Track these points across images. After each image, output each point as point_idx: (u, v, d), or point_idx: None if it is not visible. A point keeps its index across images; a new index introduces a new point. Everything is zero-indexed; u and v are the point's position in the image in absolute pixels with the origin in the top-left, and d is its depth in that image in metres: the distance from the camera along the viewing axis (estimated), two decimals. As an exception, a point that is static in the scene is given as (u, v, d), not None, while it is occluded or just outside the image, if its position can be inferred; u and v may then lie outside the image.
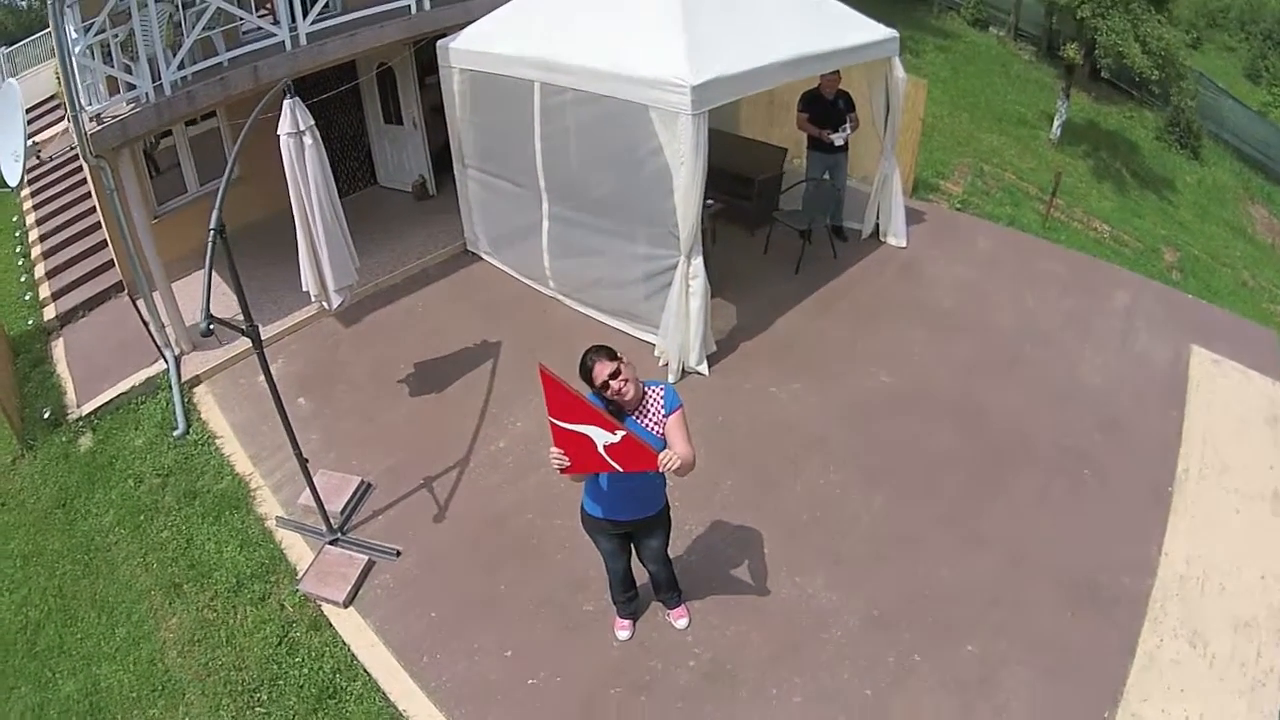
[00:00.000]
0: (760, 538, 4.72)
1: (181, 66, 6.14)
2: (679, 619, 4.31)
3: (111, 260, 8.27)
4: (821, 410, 5.55)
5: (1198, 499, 5.23)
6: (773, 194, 7.47)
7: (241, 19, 6.29)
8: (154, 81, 6.06)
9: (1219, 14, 33.37)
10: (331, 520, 4.80)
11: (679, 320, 5.58)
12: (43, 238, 9.79)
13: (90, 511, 5.74)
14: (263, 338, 6.83)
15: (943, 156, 10.71)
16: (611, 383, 3.21)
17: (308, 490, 4.66)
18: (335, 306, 5.46)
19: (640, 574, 4.20)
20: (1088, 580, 4.59)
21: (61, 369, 7.38)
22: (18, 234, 10.57)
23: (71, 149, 8.23)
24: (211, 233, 3.26)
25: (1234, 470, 5.53)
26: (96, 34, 5.81)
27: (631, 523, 3.70)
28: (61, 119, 12.14)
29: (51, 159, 10.62)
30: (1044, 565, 4.62)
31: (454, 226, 7.80)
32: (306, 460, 4.48)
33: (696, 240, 5.31)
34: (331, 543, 4.75)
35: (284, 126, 4.57)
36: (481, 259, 7.63)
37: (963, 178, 10.25)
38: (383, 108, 8.92)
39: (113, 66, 5.92)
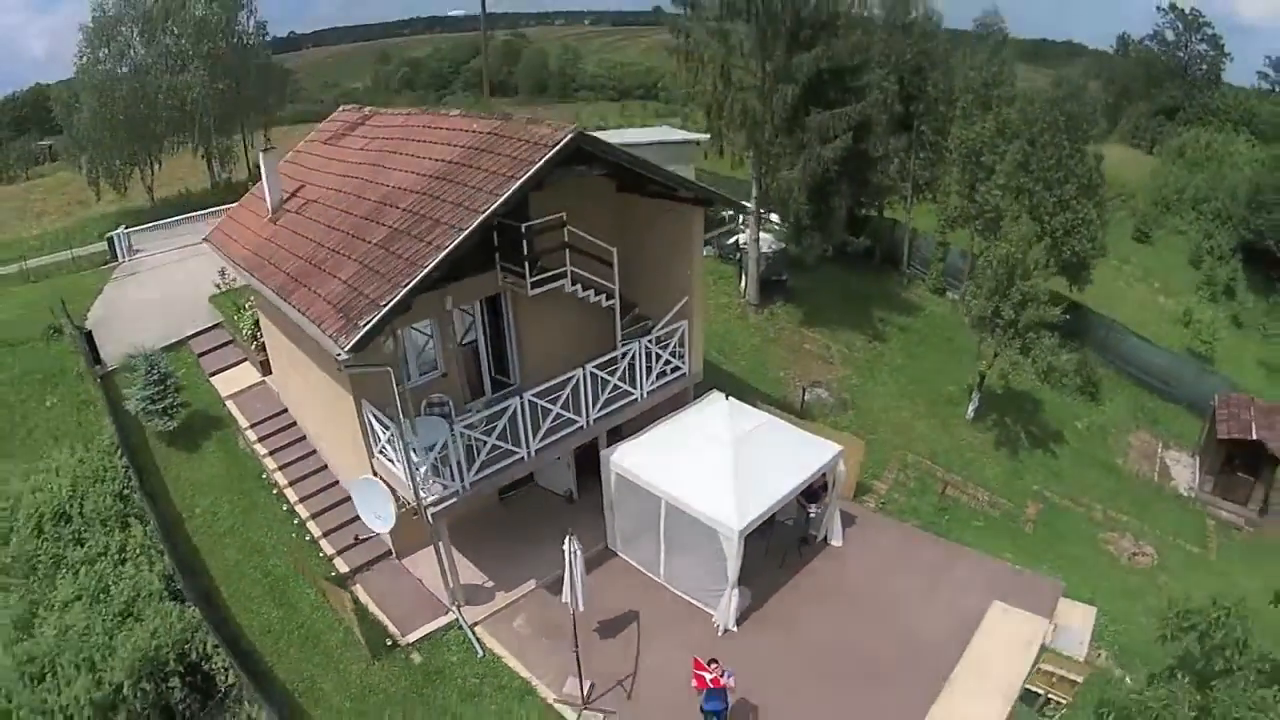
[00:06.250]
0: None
1: (481, 469, 13.69)
2: None
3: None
4: (786, 649, 12.93)
5: (960, 692, 12.48)
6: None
7: (499, 446, 13.70)
8: (459, 481, 13.51)
9: (1174, 199, 42.82)
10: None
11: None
12: (302, 498, 17.06)
13: (435, 698, 12.86)
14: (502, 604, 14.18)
15: (883, 455, 18.47)
16: None
17: (570, 678, 11.97)
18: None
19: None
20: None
21: (374, 609, 14.60)
22: (273, 491, 17.64)
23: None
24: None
25: (985, 676, 12.79)
26: (433, 450, 13.36)
27: None
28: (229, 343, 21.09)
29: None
30: (875, 707, 11.87)
31: (597, 529, 15.13)
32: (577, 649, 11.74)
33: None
34: None
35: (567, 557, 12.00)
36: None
37: (893, 473, 17.99)
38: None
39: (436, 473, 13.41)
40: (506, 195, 10.91)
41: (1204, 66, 63.89)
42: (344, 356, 10.30)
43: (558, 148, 11.26)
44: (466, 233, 10.69)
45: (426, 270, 10.50)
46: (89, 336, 21.84)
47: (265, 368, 20.27)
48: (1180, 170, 47.86)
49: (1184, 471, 24.29)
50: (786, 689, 12.34)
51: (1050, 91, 22.83)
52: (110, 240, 31.98)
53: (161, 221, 32.76)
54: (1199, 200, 41.46)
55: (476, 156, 12.24)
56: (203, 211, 33.38)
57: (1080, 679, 13.05)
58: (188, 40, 37.04)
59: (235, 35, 39.06)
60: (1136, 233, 38.30)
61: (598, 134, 30.96)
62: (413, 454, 12.06)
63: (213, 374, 20.91)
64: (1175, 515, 21.96)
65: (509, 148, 11.85)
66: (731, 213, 27.46)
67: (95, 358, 21.10)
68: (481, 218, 10.77)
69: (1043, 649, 13.61)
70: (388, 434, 12.86)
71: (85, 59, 36.82)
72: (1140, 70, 67.30)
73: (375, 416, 13.11)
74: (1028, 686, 12.93)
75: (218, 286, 24.33)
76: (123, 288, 27.99)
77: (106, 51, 36.54)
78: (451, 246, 10.61)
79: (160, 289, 26.81)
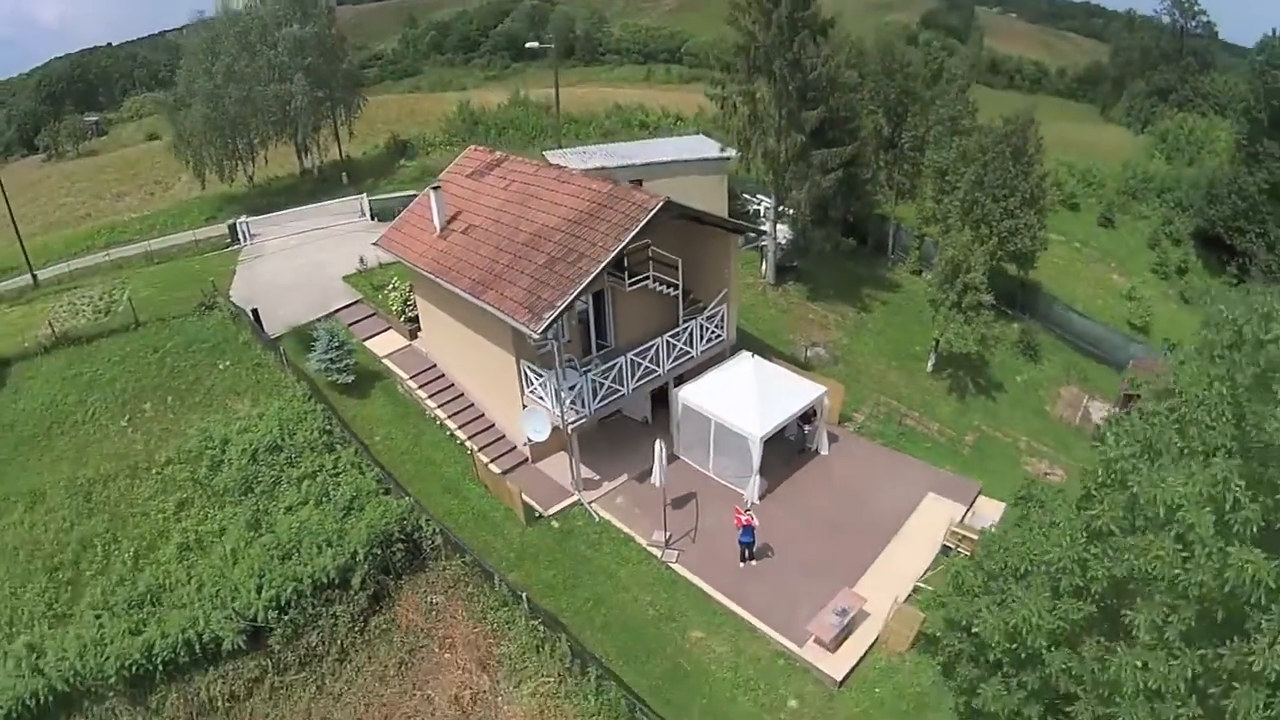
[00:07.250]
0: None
1: (600, 401, 21.90)
2: None
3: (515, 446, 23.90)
4: (790, 514, 21.21)
5: (901, 543, 20.79)
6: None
7: (612, 387, 21.90)
8: (587, 409, 21.73)
9: (1140, 187, 49.69)
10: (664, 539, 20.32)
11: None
12: (460, 426, 25.17)
13: (570, 548, 21.16)
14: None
15: (861, 395, 26.55)
16: None
17: (656, 531, 20.32)
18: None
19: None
20: (856, 563, 20.18)
21: (526, 495, 22.78)
22: (435, 423, 25.90)
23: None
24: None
25: (917, 536, 21.06)
26: (574, 389, 21.55)
27: None
28: (372, 314, 28.68)
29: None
30: (845, 549, 20.19)
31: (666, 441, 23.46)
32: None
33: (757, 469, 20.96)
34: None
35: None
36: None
37: (868, 408, 26.10)
38: (622, 386, 24.74)
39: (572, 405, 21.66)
40: (626, 241, 19.03)
41: (1195, 54, 70.04)
42: (536, 337, 18.51)
43: (655, 210, 19.30)
44: (603, 265, 18.84)
45: (582, 287, 18.68)
46: (255, 313, 29.37)
47: (411, 335, 28.36)
48: (1157, 158, 54.47)
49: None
50: (790, 537, 20.63)
51: (1002, 127, 30.34)
52: (233, 226, 39.89)
53: (279, 213, 40.71)
54: (1164, 190, 48.38)
55: (600, 210, 20.25)
56: (312, 205, 41.54)
57: (975, 537, 21.19)
58: (288, 54, 44.56)
59: (327, 49, 46.63)
60: (1101, 219, 45.43)
61: (649, 144, 38.44)
62: (561, 392, 20.25)
63: (365, 339, 28.84)
64: (1089, 451, 29.82)
65: (622, 206, 19.89)
66: (755, 209, 35.35)
67: (260, 329, 28.16)
68: (611, 255, 18.89)
69: (961, 524, 21.68)
70: (540, 379, 21.06)
71: (192, 71, 44.61)
72: (1136, 53, 73.68)
73: (530, 368, 21.33)
74: (945, 543, 21.00)
75: (357, 269, 32.46)
76: (253, 269, 35.20)
77: (215, 64, 43.94)
78: (595, 273, 18.77)
79: (289, 271, 33.82)
